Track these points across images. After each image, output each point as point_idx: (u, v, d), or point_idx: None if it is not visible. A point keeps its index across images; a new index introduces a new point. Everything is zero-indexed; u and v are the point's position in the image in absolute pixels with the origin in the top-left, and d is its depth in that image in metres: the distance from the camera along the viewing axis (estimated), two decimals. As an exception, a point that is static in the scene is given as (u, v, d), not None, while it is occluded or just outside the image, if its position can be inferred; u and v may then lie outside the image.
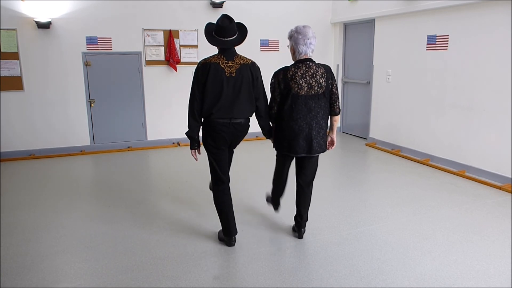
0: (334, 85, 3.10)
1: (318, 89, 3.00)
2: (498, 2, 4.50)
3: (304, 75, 2.98)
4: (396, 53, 6.11)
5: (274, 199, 3.56)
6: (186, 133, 3.04)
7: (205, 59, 3.00)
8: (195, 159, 3.16)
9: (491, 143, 4.74)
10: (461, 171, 5.02)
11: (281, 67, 3.08)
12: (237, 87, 2.95)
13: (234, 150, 3.32)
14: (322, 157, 5.97)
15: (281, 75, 3.03)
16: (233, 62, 2.96)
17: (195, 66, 3.07)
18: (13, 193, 4.55)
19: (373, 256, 3.06)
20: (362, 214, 3.86)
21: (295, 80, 2.97)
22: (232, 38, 2.96)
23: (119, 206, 4.11)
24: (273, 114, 3.15)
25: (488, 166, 4.79)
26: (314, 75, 2.99)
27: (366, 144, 6.72)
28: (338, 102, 3.16)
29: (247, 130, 3.15)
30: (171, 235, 3.44)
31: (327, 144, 3.27)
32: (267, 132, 3.27)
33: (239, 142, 3.19)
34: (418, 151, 5.80)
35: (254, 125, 3.23)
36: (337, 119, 3.23)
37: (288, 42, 3.09)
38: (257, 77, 3.05)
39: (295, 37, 3.00)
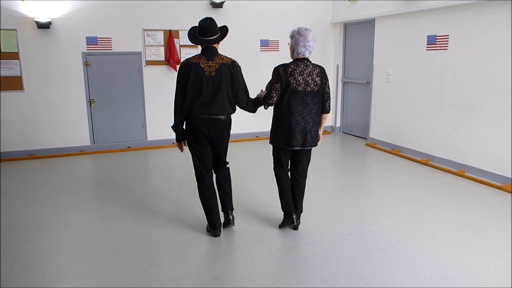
0: (327, 84, 3.31)
1: (314, 87, 3.19)
2: (498, 2, 4.50)
3: (302, 72, 3.16)
4: (396, 53, 6.11)
5: (284, 210, 3.47)
6: (172, 127, 3.28)
7: (187, 59, 3.20)
8: (181, 150, 3.43)
9: (491, 143, 4.74)
10: (461, 171, 5.02)
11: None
12: (216, 85, 3.13)
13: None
14: (322, 157, 5.98)
15: (281, 69, 3.18)
16: (213, 62, 3.13)
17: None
18: (13, 193, 4.55)
19: (373, 256, 3.06)
20: (362, 214, 3.86)
21: (293, 76, 3.14)
22: (213, 37, 3.15)
23: (119, 206, 4.11)
24: (271, 104, 3.26)
25: (488, 166, 4.79)
26: (311, 73, 3.18)
27: (366, 144, 6.72)
28: (329, 101, 3.35)
29: (230, 126, 3.32)
30: (171, 235, 3.44)
31: None
32: (252, 105, 3.37)
33: (224, 139, 3.32)
34: (418, 151, 5.80)
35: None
36: (327, 117, 3.42)
37: (289, 40, 3.25)
38: (237, 75, 3.20)
39: (296, 38, 3.18)
